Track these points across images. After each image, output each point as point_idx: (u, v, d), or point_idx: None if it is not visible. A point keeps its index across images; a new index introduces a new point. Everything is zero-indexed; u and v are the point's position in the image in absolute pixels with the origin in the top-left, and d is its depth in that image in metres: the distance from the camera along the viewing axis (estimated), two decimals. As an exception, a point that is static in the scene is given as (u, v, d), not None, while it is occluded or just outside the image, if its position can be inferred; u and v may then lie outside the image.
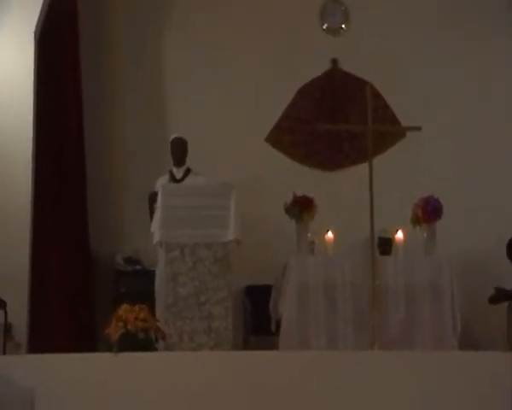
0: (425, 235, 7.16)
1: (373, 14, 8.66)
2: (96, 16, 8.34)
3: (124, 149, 8.35)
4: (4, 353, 6.29)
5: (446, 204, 7.21)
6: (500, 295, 7.19)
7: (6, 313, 6.30)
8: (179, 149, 7.46)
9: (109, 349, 5.79)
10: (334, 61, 8.69)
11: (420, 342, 6.70)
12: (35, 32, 7.28)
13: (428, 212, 7.12)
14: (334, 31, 8.79)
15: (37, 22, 7.27)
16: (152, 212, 7.08)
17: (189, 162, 7.51)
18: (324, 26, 8.78)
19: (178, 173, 7.42)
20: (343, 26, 8.79)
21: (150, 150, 8.31)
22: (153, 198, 7.07)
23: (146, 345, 5.90)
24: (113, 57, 8.42)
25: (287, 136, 8.53)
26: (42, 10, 7.29)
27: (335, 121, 8.35)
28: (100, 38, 8.37)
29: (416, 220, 7.20)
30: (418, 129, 7.16)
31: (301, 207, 7.24)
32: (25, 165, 7.12)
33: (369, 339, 6.48)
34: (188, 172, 7.42)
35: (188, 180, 7.38)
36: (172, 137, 7.58)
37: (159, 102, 8.50)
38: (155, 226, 6.86)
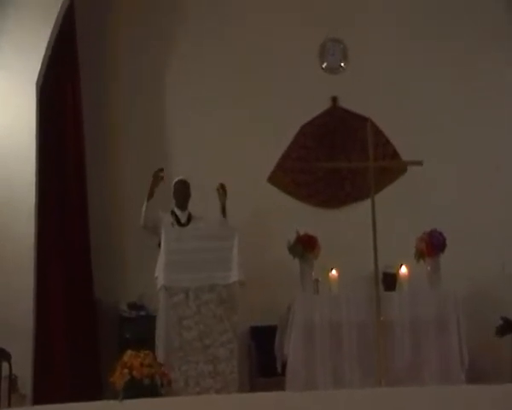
0: (429, 269, 7.13)
1: (371, 51, 8.71)
2: (97, 56, 8.41)
3: (126, 194, 8.36)
4: (9, 405, 6.24)
5: (449, 236, 7.19)
6: (507, 326, 7.12)
7: (10, 366, 6.27)
8: (183, 192, 7.51)
9: (115, 396, 5.73)
10: (334, 99, 8.74)
11: (427, 377, 6.64)
12: (37, 82, 7.36)
13: (432, 246, 7.11)
14: (333, 69, 8.85)
15: (39, 71, 7.36)
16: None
17: (190, 203, 7.56)
18: (324, 65, 8.84)
19: (183, 217, 7.45)
20: (342, 64, 8.85)
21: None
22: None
23: (152, 391, 5.84)
24: (114, 98, 8.47)
25: (289, 175, 8.55)
26: (44, 59, 7.38)
27: (337, 159, 8.37)
28: (101, 81, 8.42)
29: (420, 255, 7.17)
30: (419, 163, 7.18)
31: (305, 246, 7.23)
32: (28, 212, 7.17)
33: (375, 376, 6.42)
34: (190, 216, 7.45)
35: (191, 225, 7.38)
36: (176, 179, 7.61)
37: (160, 145, 8.52)
38: (159, 271, 6.86)
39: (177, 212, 7.47)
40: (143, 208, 7.41)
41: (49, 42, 7.38)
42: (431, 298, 6.91)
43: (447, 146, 8.49)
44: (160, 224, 7.25)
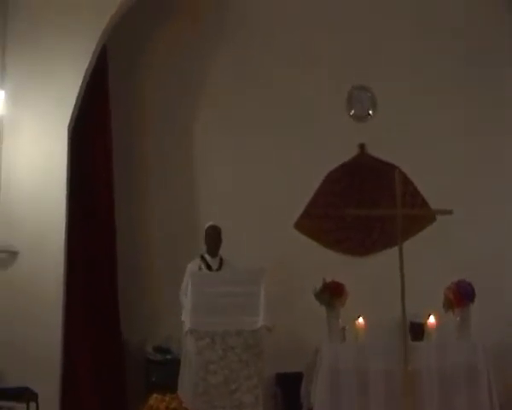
0: (458, 319, 7.03)
1: (399, 99, 8.77)
2: (128, 100, 8.51)
3: (155, 236, 8.41)
4: (37, 446, 6.26)
5: (479, 286, 7.10)
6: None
7: (37, 406, 6.27)
8: (214, 238, 7.44)
9: (140, 440, 5.71)
10: (362, 147, 8.76)
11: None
12: (69, 125, 7.47)
13: (461, 296, 7.00)
14: (361, 117, 8.89)
15: (71, 114, 7.48)
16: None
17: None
18: (351, 113, 8.88)
19: (214, 264, 7.41)
20: (370, 111, 8.89)
21: (181, 238, 8.37)
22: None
23: (177, 435, 5.80)
24: (144, 142, 8.56)
25: (315, 222, 8.55)
26: (75, 106, 7.50)
27: (364, 206, 8.35)
28: (131, 125, 8.52)
29: (449, 305, 7.07)
30: (449, 213, 7.11)
31: (332, 294, 7.15)
32: (58, 252, 7.22)
33: (403, 427, 6.35)
34: (221, 261, 7.43)
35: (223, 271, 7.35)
36: (207, 224, 7.54)
37: (188, 188, 8.58)
38: (186, 314, 6.84)
39: (207, 258, 7.44)
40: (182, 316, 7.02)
41: (81, 85, 7.51)
42: (460, 349, 6.81)
43: (477, 195, 8.49)
44: None
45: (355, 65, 8.79)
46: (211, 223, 7.55)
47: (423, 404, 6.61)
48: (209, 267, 7.39)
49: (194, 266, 7.39)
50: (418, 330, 7.33)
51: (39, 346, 6.87)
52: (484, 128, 8.73)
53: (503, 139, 8.72)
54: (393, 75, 8.80)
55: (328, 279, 7.27)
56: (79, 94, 7.52)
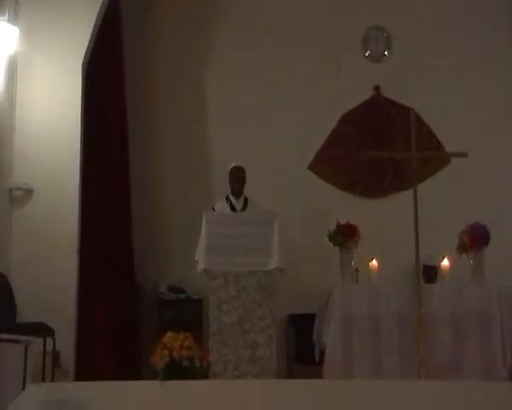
0: (472, 262, 7.03)
1: (415, 40, 8.66)
2: (140, 48, 8.47)
3: (168, 178, 8.42)
4: (53, 380, 6.35)
5: (494, 230, 7.09)
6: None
7: (54, 341, 6.36)
8: (238, 178, 7.38)
9: (154, 377, 5.78)
10: (377, 88, 8.68)
11: (468, 373, 6.55)
12: (83, 64, 7.42)
13: (475, 239, 6.98)
14: (376, 58, 8.79)
15: (85, 54, 7.42)
16: None
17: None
18: (367, 53, 8.78)
19: (238, 204, 7.38)
20: (385, 52, 8.78)
21: (194, 179, 8.39)
22: None
23: (191, 373, 5.88)
24: (156, 88, 8.53)
25: (329, 164, 8.52)
26: (89, 43, 7.44)
27: (378, 149, 8.31)
28: (143, 72, 8.48)
29: (463, 248, 7.05)
30: (464, 155, 7.02)
31: (345, 235, 7.16)
32: (73, 191, 7.24)
33: (414, 369, 6.39)
34: (246, 201, 7.40)
35: (247, 211, 7.33)
36: (231, 165, 7.47)
37: (201, 131, 8.57)
38: (199, 255, 6.87)
39: (232, 199, 7.40)
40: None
41: (95, 22, 7.44)
42: (473, 292, 6.82)
43: (492, 138, 8.43)
44: None
45: (371, 4, 8.65)
46: (234, 164, 7.47)
47: (435, 346, 6.64)
48: (233, 208, 7.37)
49: (222, 207, 7.34)
50: (431, 273, 7.36)
51: (56, 287, 6.92)
52: (503, 72, 8.59)
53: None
54: (409, 15, 8.66)
55: (342, 221, 7.28)
56: (93, 31, 7.45)
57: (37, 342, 6.04)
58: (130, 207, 7.95)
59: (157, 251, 8.21)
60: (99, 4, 7.43)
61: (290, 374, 7.55)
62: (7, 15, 7.01)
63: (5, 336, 5.87)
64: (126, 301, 7.67)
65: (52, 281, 6.92)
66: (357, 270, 7.19)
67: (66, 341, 6.74)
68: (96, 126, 7.68)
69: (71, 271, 7.10)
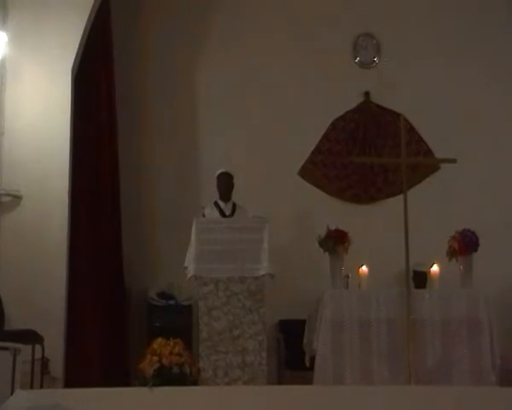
0: (461, 268, 7.05)
1: (404, 46, 8.69)
2: (129, 52, 8.46)
3: (157, 183, 8.40)
4: (41, 387, 6.32)
5: (482, 236, 7.11)
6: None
7: (43, 349, 6.34)
8: (226, 184, 7.40)
9: (143, 383, 5.77)
10: (367, 94, 8.70)
11: (457, 378, 6.57)
12: (72, 69, 7.39)
13: (465, 245, 7.02)
14: (366, 64, 8.82)
15: (74, 59, 7.39)
16: None
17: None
18: (356, 60, 8.81)
19: (227, 209, 7.39)
20: (375, 59, 8.81)
21: (183, 185, 8.37)
22: None
23: (181, 380, 5.87)
24: (146, 93, 8.52)
25: (320, 169, 8.53)
26: (79, 48, 7.42)
27: (368, 154, 8.34)
28: (133, 76, 8.47)
29: (453, 253, 7.09)
30: (453, 161, 7.12)
31: (335, 241, 7.17)
32: (62, 201, 7.20)
33: (404, 374, 6.40)
34: (235, 206, 7.40)
35: (236, 216, 7.34)
36: (219, 171, 7.46)
37: (192, 137, 8.55)
38: (189, 261, 6.87)
39: (221, 204, 7.41)
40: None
41: (84, 28, 7.41)
42: (462, 298, 6.83)
43: (480, 144, 8.45)
44: None
45: (361, 11, 8.67)
46: (222, 169, 7.48)
47: (425, 352, 6.65)
48: (222, 213, 7.37)
49: (212, 213, 7.34)
50: (421, 279, 7.37)
51: (45, 293, 6.89)
52: (490, 78, 8.62)
53: (508, 88, 8.63)
54: (399, 22, 8.69)
55: (332, 227, 7.28)
56: (83, 37, 7.42)
57: (25, 349, 6.01)
58: (119, 212, 7.93)
59: (146, 257, 8.19)
60: (88, 9, 7.41)
61: (280, 380, 7.54)
62: (-5, 21, 7.03)
63: (-7, 342, 5.85)
64: (116, 307, 7.65)
65: (41, 287, 6.89)
66: (348, 276, 7.19)
67: (54, 347, 6.71)
68: (86, 132, 7.66)
69: (60, 277, 7.06)
